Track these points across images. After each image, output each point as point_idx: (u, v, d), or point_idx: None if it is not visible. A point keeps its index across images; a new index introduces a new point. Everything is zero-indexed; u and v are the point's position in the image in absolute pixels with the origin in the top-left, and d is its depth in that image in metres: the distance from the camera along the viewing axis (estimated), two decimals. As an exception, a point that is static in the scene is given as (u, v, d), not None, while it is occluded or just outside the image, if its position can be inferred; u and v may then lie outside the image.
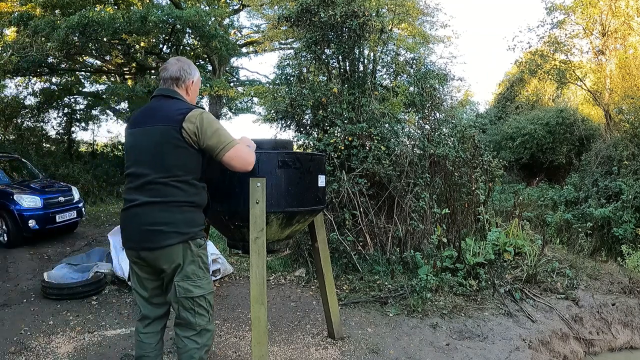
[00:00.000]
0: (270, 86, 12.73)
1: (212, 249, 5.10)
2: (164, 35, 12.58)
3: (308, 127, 6.12)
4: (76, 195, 7.46)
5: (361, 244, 5.41)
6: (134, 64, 14.21)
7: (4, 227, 6.42)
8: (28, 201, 6.47)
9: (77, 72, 14.81)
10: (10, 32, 12.22)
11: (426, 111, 6.32)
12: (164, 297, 2.30)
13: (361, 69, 6.27)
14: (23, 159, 8.41)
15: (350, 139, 5.41)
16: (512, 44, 22.56)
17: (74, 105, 15.17)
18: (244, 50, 16.38)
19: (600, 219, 8.46)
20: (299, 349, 3.38)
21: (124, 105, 15.84)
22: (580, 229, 8.06)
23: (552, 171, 13.69)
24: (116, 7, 12.86)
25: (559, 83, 14.08)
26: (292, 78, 6.61)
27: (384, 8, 9.17)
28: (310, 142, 5.60)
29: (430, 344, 3.52)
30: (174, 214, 2.11)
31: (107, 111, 16.31)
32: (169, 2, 13.83)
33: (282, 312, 4.11)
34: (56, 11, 11.29)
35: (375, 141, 5.49)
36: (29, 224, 6.35)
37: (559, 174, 13.38)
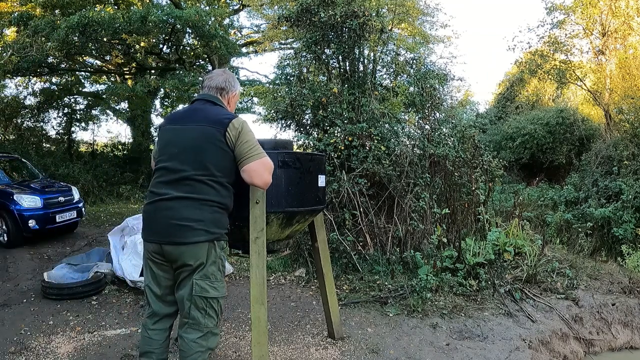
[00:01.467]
0: (270, 86, 12.75)
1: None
2: (164, 35, 12.57)
3: (308, 127, 6.12)
4: (76, 195, 7.45)
5: (361, 244, 5.41)
6: (134, 64, 14.21)
7: (4, 227, 6.42)
8: (28, 201, 6.46)
9: (77, 72, 14.80)
10: (10, 32, 12.22)
11: (426, 111, 6.32)
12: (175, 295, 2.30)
13: (361, 69, 6.27)
14: (23, 159, 8.39)
15: (350, 139, 5.41)
16: (512, 44, 22.68)
17: (74, 105, 15.13)
18: (244, 50, 16.36)
19: (600, 219, 8.46)
20: (299, 349, 3.38)
21: (124, 105, 15.84)
22: (580, 229, 8.06)
23: (552, 171, 13.68)
24: (116, 7, 12.86)
25: (559, 83, 14.07)
26: (292, 78, 6.61)
27: (384, 8, 9.19)
28: (310, 142, 5.60)
29: (430, 344, 3.52)
30: (204, 212, 2.15)
31: (107, 111, 16.31)
32: (169, 2, 13.83)
33: (282, 312, 4.11)
34: (56, 11, 11.28)
35: (375, 141, 5.49)
36: (29, 224, 6.34)
37: (559, 174, 13.37)
